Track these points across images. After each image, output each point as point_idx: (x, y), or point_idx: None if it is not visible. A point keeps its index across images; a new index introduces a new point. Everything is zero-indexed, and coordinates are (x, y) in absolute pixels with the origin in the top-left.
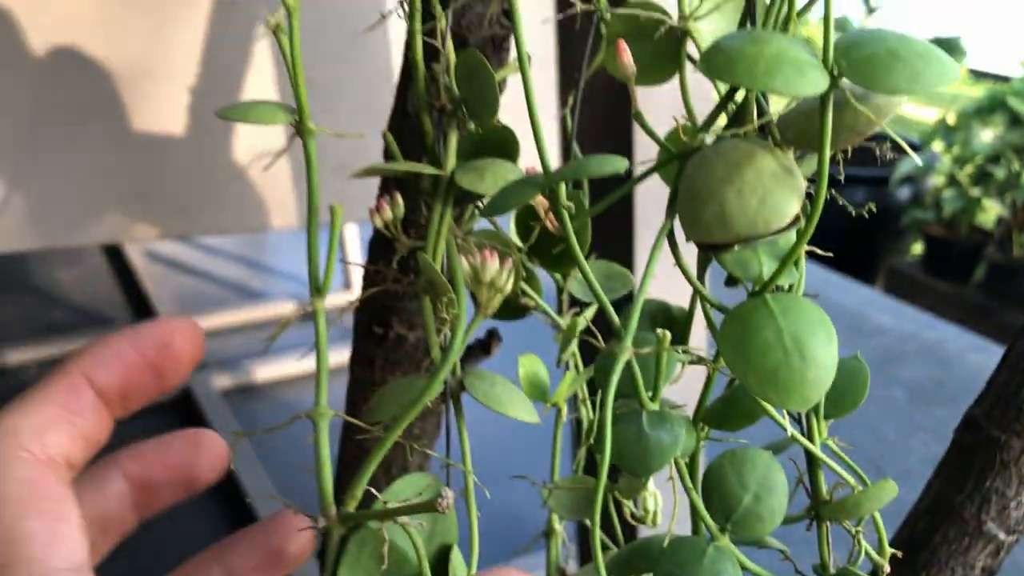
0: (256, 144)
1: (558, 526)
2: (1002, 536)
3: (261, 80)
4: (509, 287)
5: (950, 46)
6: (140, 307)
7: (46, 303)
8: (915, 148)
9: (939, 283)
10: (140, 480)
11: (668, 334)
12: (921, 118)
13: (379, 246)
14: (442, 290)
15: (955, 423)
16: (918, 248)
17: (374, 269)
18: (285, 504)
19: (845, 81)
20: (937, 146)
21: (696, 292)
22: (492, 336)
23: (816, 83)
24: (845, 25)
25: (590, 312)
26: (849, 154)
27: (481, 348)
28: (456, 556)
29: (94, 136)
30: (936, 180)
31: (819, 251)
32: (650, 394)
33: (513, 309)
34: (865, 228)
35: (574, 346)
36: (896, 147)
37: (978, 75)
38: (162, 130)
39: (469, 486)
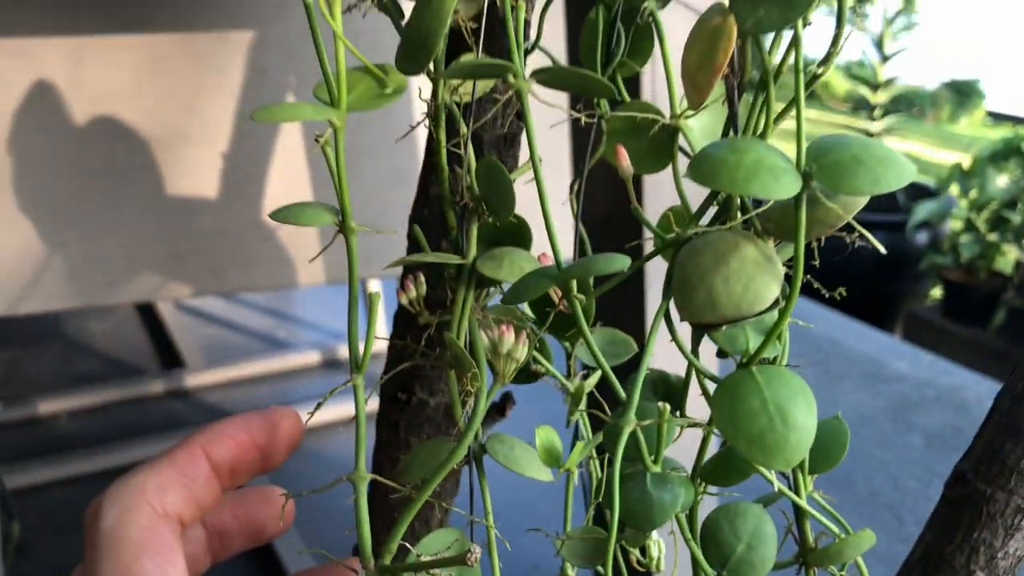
0: (285, 203)
1: (571, 573)
2: None
3: (291, 143)
4: (524, 357)
5: (968, 89)
6: (169, 358)
7: (77, 354)
8: (931, 193)
9: (958, 328)
10: (217, 529)
11: (668, 406)
12: (941, 160)
13: (403, 319)
14: (467, 366)
15: None
16: (937, 293)
17: (400, 344)
18: (314, 553)
19: (816, 182)
20: (953, 190)
21: (691, 366)
22: (507, 399)
23: (790, 187)
24: (861, 71)
25: (595, 377)
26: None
27: (497, 410)
28: None
29: (132, 200)
30: (953, 225)
31: (836, 294)
32: (653, 457)
33: (527, 374)
34: (883, 273)
35: (582, 406)
36: (912, 193)
37: (997, 117)
38: (196, 193)
39: (491, 540)
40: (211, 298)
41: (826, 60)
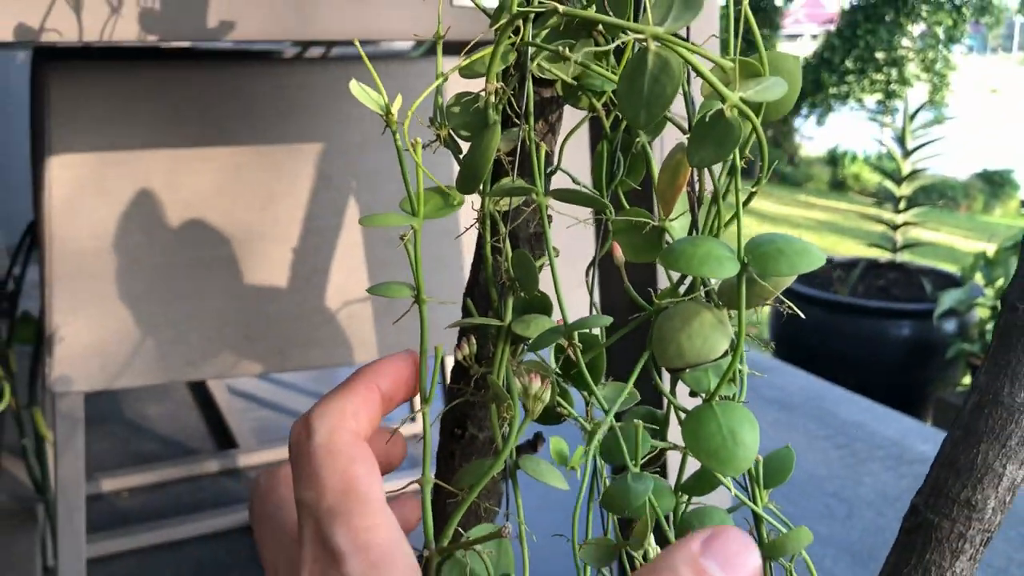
0: (344, 290)
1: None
2: None
3: (351, 239)
4: (547, 398)
5: (1002, 179)
6: (222, 439)
7: (136, 435)
8: (957, 283)
9: None
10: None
11: (640, 422)
12: (976, 249)
13: (458, 371)
14: (503, 400)
15: (992, 551)
16: (966, 380)
17: (456, 388)
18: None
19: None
20: (979, 279)
21: (669, 401)
22: (538, 437)
23: (731, 269)
24: (885, 164)
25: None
26: (896, 290)
27: (530, 446)
28: None
29: (212, 289)
30: (981, 313)
31: (769, 347)
32: (633, 462)
33: (553, 416)
34: (913, 361)
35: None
36: (939, 283)
37: None
38: (268, 283)
39: (522, 534)
40: (262, 382)
41: (757, 183)
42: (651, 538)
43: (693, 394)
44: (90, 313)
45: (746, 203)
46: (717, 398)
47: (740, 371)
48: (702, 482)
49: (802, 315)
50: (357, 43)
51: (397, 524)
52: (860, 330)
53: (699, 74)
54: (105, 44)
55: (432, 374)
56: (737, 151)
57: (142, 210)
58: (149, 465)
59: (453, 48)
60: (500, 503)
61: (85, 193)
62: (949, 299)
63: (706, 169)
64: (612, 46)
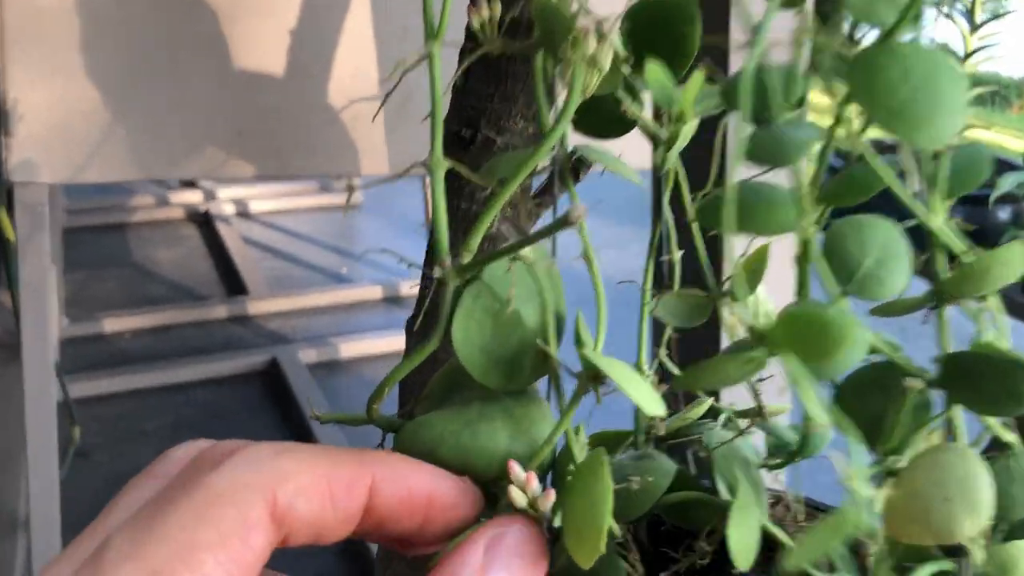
0: (351, 89)
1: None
2: None
3: (357, 24)
4: (607, 64)
5: None
6: (233, 286)
7: (144, 279)
8: (1013, 168)
9: None
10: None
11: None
12: None
13: (467, 45)
14: (563, 29)
15: None
16: None
17: (463, 80)
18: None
19: None
20: None
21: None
22: (580, 161)
23: None
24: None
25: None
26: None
27: (572, 172)
28: (583, 330)
29: (197, 72)
30: None
31: None
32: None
33: (615, 122)
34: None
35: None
36: (998, 169)
37: None
38: (262, 69)
39: (590, 250)
40: (276, 233)
41: None
42: (761, 288)
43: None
44: (53, 88)
45: None
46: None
47: None
48: (851, 186)
49: None
50: None
51: None
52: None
53: None
54: None
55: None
56: None
57: None
58: (154, 307)
59: None
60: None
61: None
62: (1008, 181)
63: None
64: None
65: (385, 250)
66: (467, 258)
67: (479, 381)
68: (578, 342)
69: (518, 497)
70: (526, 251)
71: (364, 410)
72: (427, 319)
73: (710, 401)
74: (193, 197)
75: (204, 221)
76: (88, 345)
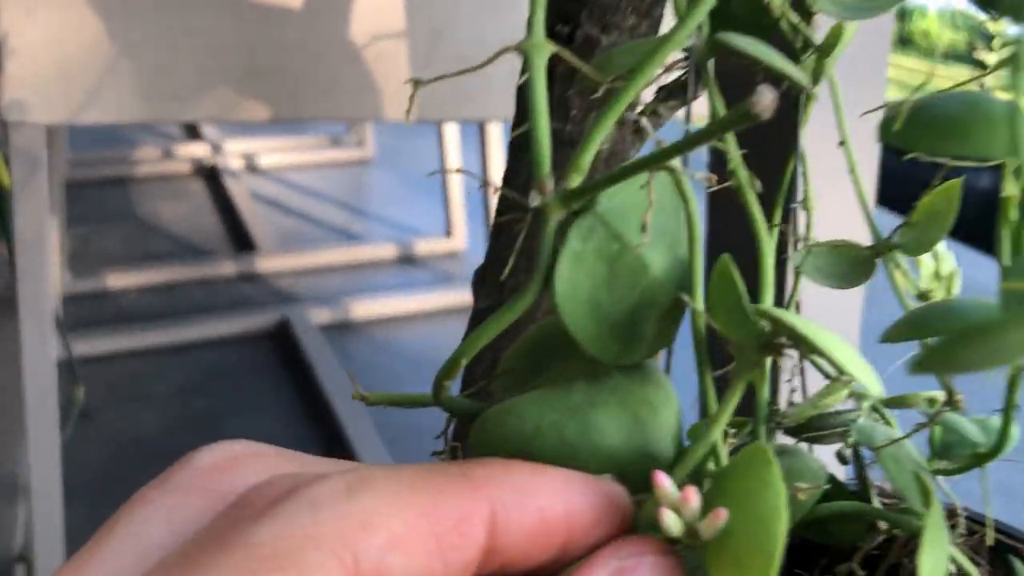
0: (373, 26)
1: None
2: None
3: None
4: None
5: None
6: (241, 242)
7: (149, 234)
8: None
9: None
10: None
11: None
12: None
13: None
14: None
15: None
16: None
17: None
18: None
19: None
20: None
21: None
22: (722, 46)
23: None
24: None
25: None
26: None
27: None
28: (737, 279)
29: (208, 2)
30: None
31: None
32: None
33: (751, 23)
34: (991, 212)
35: None
36: None
37: None
38: (274, 3)
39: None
40: (286, 190)
41: None
42: None
43: None
44: (49, 19)
45: None
46: None
47: None
48: None
49: None
50: None
51: None
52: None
53: None
54: None
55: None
56: None
57: None
58: (160, 263)
59: None
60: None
61: None
62: None
63: None
64: None
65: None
66: (576, 181)
67: (587, 350)
68: (726, 295)
69: (671, 523)
70: (663, 170)
71: (382, 377)
72: (500, 267)
73: (851, 385)
74: (199, 150)
75: (211, 175)
76: (92, 302)
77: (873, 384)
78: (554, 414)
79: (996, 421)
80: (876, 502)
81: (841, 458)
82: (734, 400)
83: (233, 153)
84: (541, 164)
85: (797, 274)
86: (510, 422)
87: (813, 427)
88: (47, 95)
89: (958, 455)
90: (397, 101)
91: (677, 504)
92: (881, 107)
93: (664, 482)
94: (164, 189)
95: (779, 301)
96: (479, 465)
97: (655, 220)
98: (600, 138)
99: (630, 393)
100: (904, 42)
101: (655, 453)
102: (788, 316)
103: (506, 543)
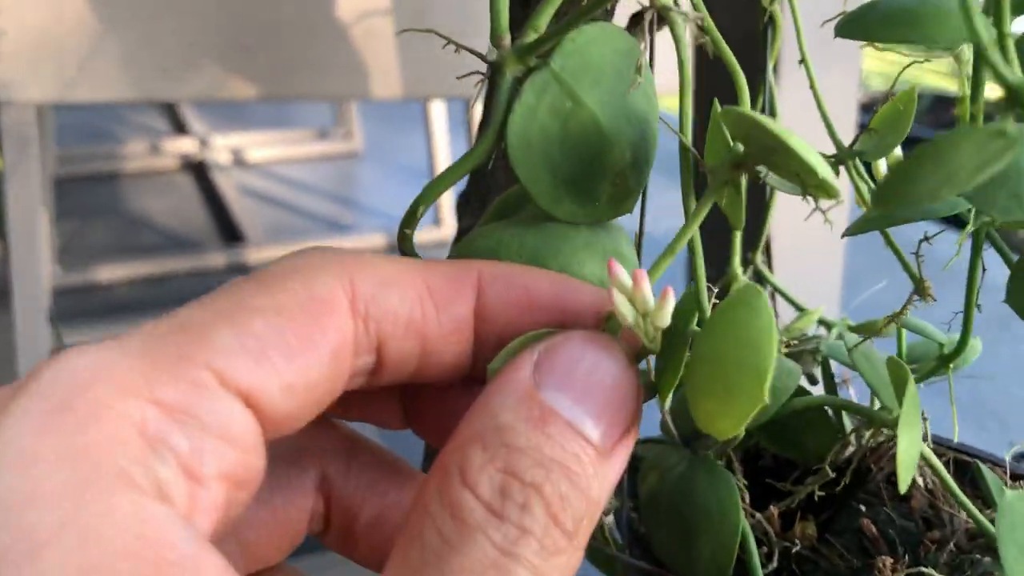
0: (361, 3)
1: None
2: None
3: None
4: None
5: None
6: (229, 235)
7: (138, 228)
8: None
9: None
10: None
11: None
12: None
13: None
14: None
15: None
16: None
17: None
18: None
19: None
20: None
21: None
22: None
23: None
24: None
25: None
26: None
27: None
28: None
29: None
30: None
31: None
32: None
33: None
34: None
35: None
36: None
37: None
38: None
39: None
40: (273, 183)
41: None
42: None
43: None
44: None
45: None
46: None
47: None
48: None
49: None
50: None
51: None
52: None
53: None
54: None
55: None
56: None
57: None
58: (149, 256)
59: None
60: None
61: None
62: None
63: None
64: None
65: None
66: (532, 37)
67: (542, 207)
68: (715, 136)
69: (624, 308)
70: (610, 25)
71: None
72: (483, 187)
73: (819, 310)
74: (187, 145)
75: (199, 170)
76: (82, 296)
77: (833, 183)
78: (515, 228)
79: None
80: (846, 418)
81: (811, 378)
82: (703, 211)
83: (220, 147)
84: (499, 16)
85: (771, 193)
86: (477, 241)
87: (788, 348)
88: (34, 73)
89: (924, 363)
90: (386, 80)
91: (629, 291)
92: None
93: (617, 267)
94: (152, 184)
95: (756, 234)
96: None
97: (612, 82)
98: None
99: (588, 227)
100: None
101: (619, 252)
102: (767, 120)
103: (494, 307)
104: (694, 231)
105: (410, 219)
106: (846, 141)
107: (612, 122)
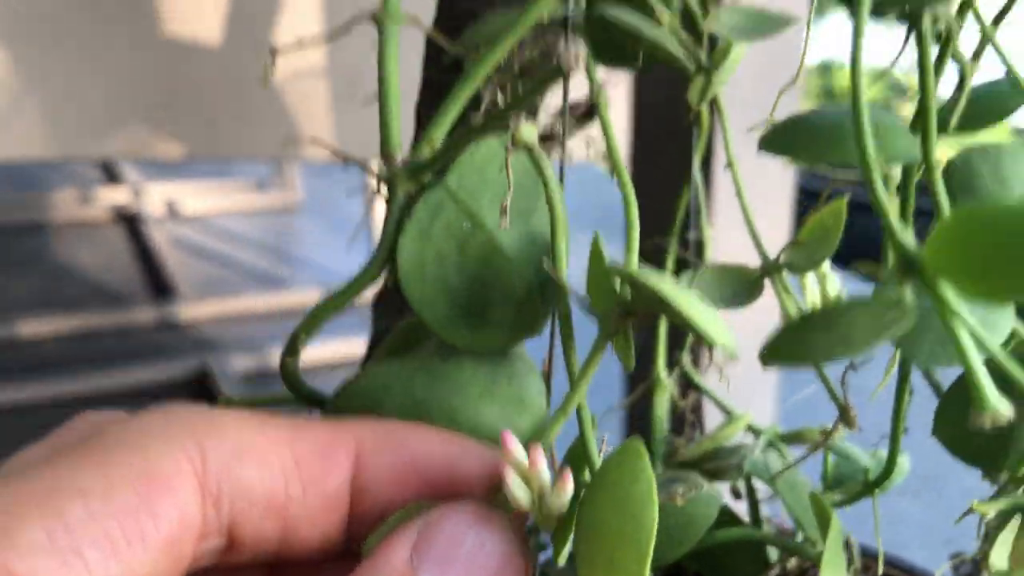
0: (294, 63)
1: None
2: None
3: None
4: None
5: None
6: (160, 288)
7: (63, 279)
8: None
9: None
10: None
11: None
12: None
13: None
14: None
15: None
16: None
17: None
18: None
19: None
20: None
21: None
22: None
23: None
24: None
25: None
26: None
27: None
28: (602, 246)
29: (121, 34)
30: None
31: None
32: None
33: (627, 42)
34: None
35: None
36: None
37: None
38: (195, 32)
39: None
40: (206, 236)
41: None
42: None
43: None
44: None
45: None
46: None
47: None
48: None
49: None
50: None
51: None
52: None
53: None
54: None
55: None
56: None
57: None
58: (76, 310)
59: None
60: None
61: None
62: None
63: None
64: None
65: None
66: (426, 153)
67: (438, 333)
68: (597, 267)
69: (517, 489)
70: (518, 134)
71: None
72: (397, 289)
73: (748, 417)
74: (119, 195)
75: (131, 222)
76: (4, 351)
77: (729, 343)
78: (405, 370)
79: (884, 453)
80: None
81: (735, 492)
82: (594, 365)
83: (154, 198)
84: (390, 135)
85: None
86: (361, 383)
87: (712, 461)
88: None
89: (850, 485)
90: (317, 141)
91: (524, 469)
92: (762, 123)
93: (511, 441)
94: (82, 235)
95: (682, 333)
96: (351, 419)
97: (512, 200)
98: (452, 114)
99: (489, 361)
100: (829, 95)
101: (525, 425)
102: (648, 277)
103: (374, 478)
104: (582, 396)
105: (292, 347)
106: (781, 230)
107: (515, 243)
